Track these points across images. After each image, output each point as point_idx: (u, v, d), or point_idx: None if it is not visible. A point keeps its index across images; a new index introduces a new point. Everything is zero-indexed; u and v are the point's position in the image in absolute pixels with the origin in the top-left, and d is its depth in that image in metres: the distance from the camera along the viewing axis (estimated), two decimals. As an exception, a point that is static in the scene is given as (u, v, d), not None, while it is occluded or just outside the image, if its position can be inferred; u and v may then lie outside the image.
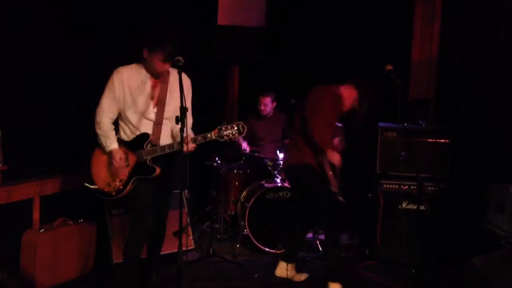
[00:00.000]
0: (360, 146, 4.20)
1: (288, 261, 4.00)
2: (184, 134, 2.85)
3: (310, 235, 4.70)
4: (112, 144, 3.32)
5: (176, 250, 3.22)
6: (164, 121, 3.37)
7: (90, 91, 3.46)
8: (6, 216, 3.44)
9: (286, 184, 4.60)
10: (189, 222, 4.45)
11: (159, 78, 3.34)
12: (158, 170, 3.32)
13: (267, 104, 5.23)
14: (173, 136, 3.44)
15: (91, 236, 3.91)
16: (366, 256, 4.50)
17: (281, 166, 4.76)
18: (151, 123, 3.34)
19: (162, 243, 3.72)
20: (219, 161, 4.99)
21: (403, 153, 4.22)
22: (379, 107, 4.06)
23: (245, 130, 3.15)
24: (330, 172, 3.70)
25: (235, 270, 4.17)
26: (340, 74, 3.86)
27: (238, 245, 4.67)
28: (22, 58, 3.51)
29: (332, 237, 3.78)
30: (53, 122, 3.77)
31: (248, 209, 4.53)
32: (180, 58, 3.03)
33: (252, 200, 4.54)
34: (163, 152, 3.27)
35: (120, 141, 3.37)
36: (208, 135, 3.18)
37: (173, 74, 3.37)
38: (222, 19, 5.64)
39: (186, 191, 4.33)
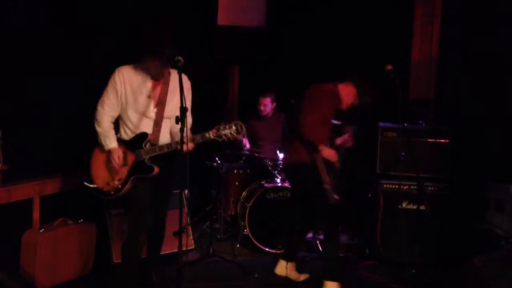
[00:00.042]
0: (360, 146, 4.20)
1: (288, 260, 4.00)
2: (184, 134, 2.85)
3: (310, 235, 4.70)
4: (111, 143, 3.33)
5: (176, 250, 3.22)
6: (164, 121, 3.37)
7: (90, 91, 3.47)
8: (6, 216, 3.44)
9: (286, 184, 4.60)
10: (189, 222, 4.45)
11: (158, 80, 3.34)
12: (156, 170, 3.32)
13: (267, 105, 5.23)
14: (172, 136, 3.45)
15: (91, 236, 3.91)
16: (366, 256, 4.50)
17: (281, 166, 4.76)
18: (151, 123, 3.35)
19: (162, 243, 3.72)
20: (219, 161, 5.00)
21: (403, 153, 4.22)
22: (379, 107, 4.06)
23: (243, 129, 3.15)
24: (324, 170, 3.69)
25: (235, 270, 4.17)
26: (340, 74, 3.87)
27: (238, 245, 4.68)
28: (22, 58, 3.51)
29: (332, 237, 3.78)
30: (53, 122, 3.77)
31: (248, 209, 4.53)
32: (180, 58, 3.03)
33: (252, 200, 4.54)
34: (162, 152, 3.27)
35: (119, 140, 3.38)
36: (207, 134, 3.19)
37: (174, 74, 3.38)
38: (222, 19, 5.64)
39: (186, 191, 4.33)
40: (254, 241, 4.52)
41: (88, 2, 3.98)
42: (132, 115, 3.33)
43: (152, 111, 3.34)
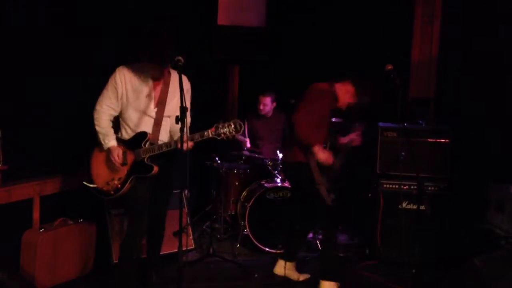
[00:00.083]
0: (360, 146, 4.20)
1: (287, 259, 4.00)
2: (184, 134, 2.85)
3: (310, 235, 4.70)
4: (110, 141, 3.33)
5: (176, 250, 3.23)
6: (164, 120, 3.37)
7: (90, 91, 3.46)
8: (6, 216, 3.44)
9: (286, 184, 4.60)
10: (189, 222, 4.45)
11: (159, 80, 3.35)
12: (156, 169, 3.32)
13: (267, 104, 5.23)
14: (171, 135, 3.45)
15: (91, 236, 3.91)
16: (366, 256, 4.50)
17: (280, 166, 4.76)
18: (152, 122, 3.35)
19: (162, 243, 3.72)
20: (219, 161, 5.00)
21: (403, 153, 4.22)
22: (379, 107, 4.06)
23: (242, 128, 3.15)
24: (317, 171, 3.66)
25: (235, 270, 4.17)
26: (340, 74, 3.86)
27: (238, 245, 4.68)
28: (22, 58, 3.51)
29: (328, 237, 3.79)
30: (53, 122, 3.77)
31: (248, 209, 4.53)
32: (180, 58, 3.03)
33: (252, 200, 4.54)
34: (161, 151, 3.27)
35: (119, 140, 3.38)
36: (205, 133, 3.19)
37: (174, 75, 3.40)
38: (222, 19, 5.64)
39: (186, 191, 4.33)
40: (254, 241, 4.52)
41: (88, 2, 3.98)
42: (132, 114, 3.33)
43: (153, 111, 3.34)
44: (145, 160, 3.31)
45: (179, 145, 2.87)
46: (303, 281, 4.00)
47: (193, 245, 4.49)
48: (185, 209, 4.33)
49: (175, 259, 3.02)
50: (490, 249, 3.59)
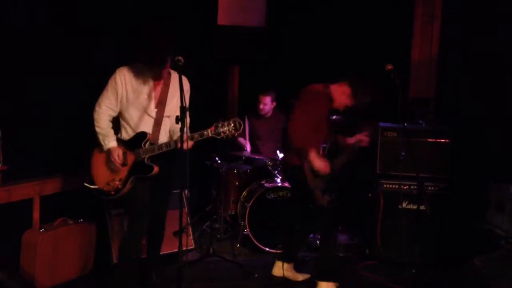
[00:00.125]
0: (360, 146, 4.19)
1: (285, 260, 3.99)
2: (184, 134, 2.85)
3: (310, 235, 4.70)
4: (110, 142, 3.33)
5: (176, 250, 3.23)
6: (164, 120, 3.37)
7: (90, 91, 3.46)
8: (6, 216, 3.45)
9: (286, 184, 4.60)
10: (189, 222, 4.45)
11: (159, 79, 3.35)
12: (156, 169, 3.32)
13: (267, 103, 5.23)
14: (170, 135, 3.45)
15: (91, 236, 3.91)
16: (366, 256, 4.50)
17: (280, 166, 4.76)
18: (152, 122, 3.35)
19: (161, 242, 3.72)
20: (219, 161, 5.00)
21: (403, 153, 4.22)
22: (379, 107, 4.05)
23: (242, 126, 3.15)
24: (310, 176, 3.63)
25: (235, 270, 4.17)
26: (339, 75, 3.86)
27: (238, 245, 4.68)
28: (22, 58, 3.51)
29: (326, 238, 3.79)
30: (53, 122, 3.77)
31: (248, 209, 4.53)
32: (180, 58, 3.03)
33: (252, 200, 4.54)
34: (161, 151, 3.28)
35: (119, 140, 3.38)
36: (205, 132, 3.19)
37: (174, 75, 3.40)
38: (222, 19, 5.63)
39: (186, 191, 4.33)
40: (254, 241, 4.52)
41: (88, 2, 3.98)
42: (133, 114, 3.33)
43: (153, 111, 3.34)
44: (145, 160, 3.31)
45: (179, 145, 2.87)
46: (303, 281, 4.00)
47: (193, 245, 4.49)
48: (185, 209, 4.33)
49: (175, 259, 3.03)
50: (490, 249, 3.59)
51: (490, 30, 4.63)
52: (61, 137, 3.80)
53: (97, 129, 3.34)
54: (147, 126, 3.34)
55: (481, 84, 4.65)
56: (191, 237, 4.44)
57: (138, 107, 3.32)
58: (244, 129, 5.10)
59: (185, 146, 2.86)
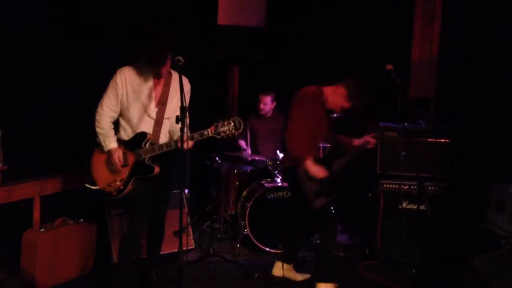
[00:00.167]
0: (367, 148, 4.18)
1: (285, 261, 3.98)
2: (184, 133, 2.85)
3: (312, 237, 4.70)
4: (111, 143, 3.33)
5: (176, 250, 3.23)
6: (164, 121, 3.37)
7: (90, 91, 3.47)
8: (7, 216, 3.45)
9: (286, 184, 4.60)
10: (189, 221, 4.45)
11: (159, 79, 3.35)
12: (157, 169, 3.32)
13: (267, 103, 5.23)
14: (171, 135, 3.45)
15: (91, 236, 3.91)
16: (366, 256, 4.50)
17: (280, 167, 4.75)
18: (152, 123, 3.35)
19: (161, 242, 3.72)
20: (219, 161, 5.00)
21: (403, 153, 4.22)
22: (379, 107, 4.05)
23: (242, 126, 3.15)
24: (304, 178, 3.57)
25: (235, 270, 4.17)
26: (340, 74, 3.85)
27: (238, 245, 4.68)
28: (22, 58, 3.51)
29: (324, 239, 3.78)
30: (53, 122, 3.77)
31: (248, 209, 4.53)
32: (180, 58, 3.03)
33: (252, 200, 4.54)
34: (161, 151, 3.28)
35: (119, 141, 3.38)
36: (205, 132, 3.19)
37: (175, 76, 3.40)
38: (222, 19, 5.64)
39: (186, 191, 4.33)
40: (255, 241, 4.52)
41: (88, 2, 3.98)
42: (133, 115, 3.33)
43: (153, 111, 3.34)
44: (146, 160, 3.31)
45: (179, 144, 2.87)
46: (303, 281, 4.00)
47: (193, 245, 4.49)
48: (185, 209, 4.33)
49: (175, 259, 3.03)
50: (490, 249, 3.59)
51: (490, 30, 4.63)
52: (61, 137, 3.80)
53: (98, 130, 3.34)
54: (147, 126, 3.34)
55: (481, 84, 4.65)
56: (191, 237, 4.44)
57: (138, 107, 3.32)
58: (245, 131, 5.11)
59: (185, 146, 2.86)
